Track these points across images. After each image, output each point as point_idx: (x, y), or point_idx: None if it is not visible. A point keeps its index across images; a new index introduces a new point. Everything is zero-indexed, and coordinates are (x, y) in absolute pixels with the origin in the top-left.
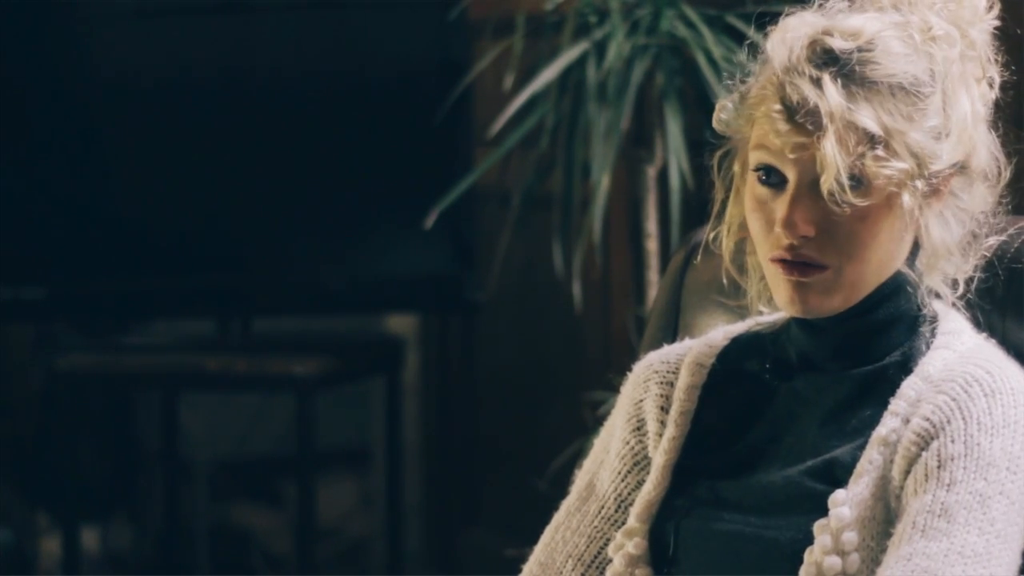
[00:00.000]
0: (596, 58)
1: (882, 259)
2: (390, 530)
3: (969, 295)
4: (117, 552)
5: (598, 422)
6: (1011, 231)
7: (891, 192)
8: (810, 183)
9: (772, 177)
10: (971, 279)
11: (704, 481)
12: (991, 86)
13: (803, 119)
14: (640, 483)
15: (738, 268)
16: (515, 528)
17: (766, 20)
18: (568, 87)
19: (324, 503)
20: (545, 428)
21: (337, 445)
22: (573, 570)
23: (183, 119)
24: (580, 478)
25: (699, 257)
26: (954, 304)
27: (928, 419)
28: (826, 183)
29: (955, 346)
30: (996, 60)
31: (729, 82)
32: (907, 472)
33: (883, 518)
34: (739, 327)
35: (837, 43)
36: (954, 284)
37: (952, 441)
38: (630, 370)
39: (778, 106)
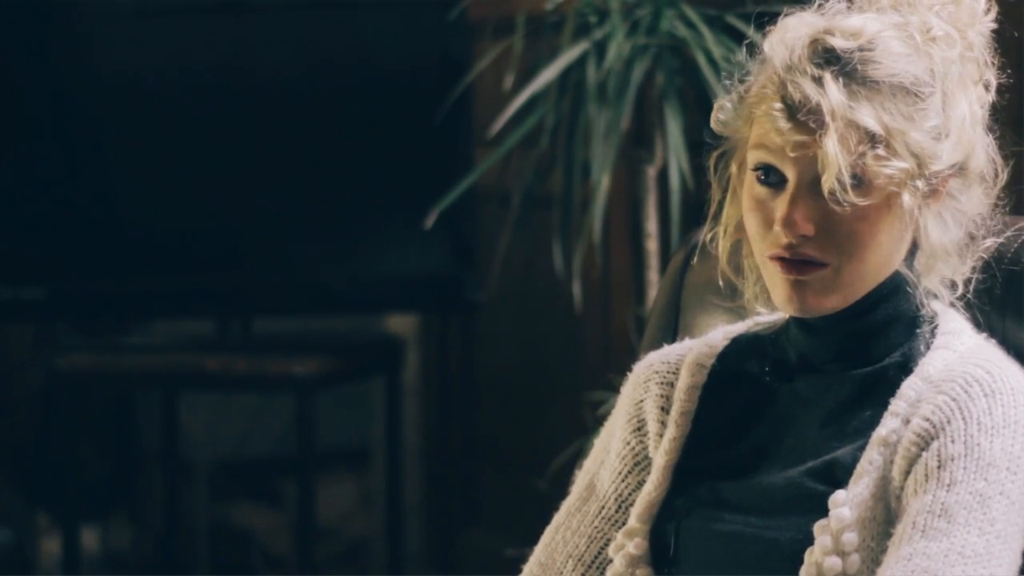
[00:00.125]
0: (596, 58)
1: (881, 259)
2: (390, 530)
3: (968, 296)
4: (117, 552)
5: (598, 422)
6: (1009, 232)
7: (891, 192)
8: (810, 182)
9: (771, 176)
10: (969, 280)
11: (705, 482)
12: (988, 88)
13: (804, 117)
14: (641, 483)
15: (734, 269)
16: (515, 528)
17: (765, 20)
18: (568, 87)
19: (324, 503)
20: (545, 428)
21: (337, 445)
22: (573, 570)
23: (183, 119)
24: (580, 478)
25: (696, 258)
26: (953, 304)
27: (928, 419)
28: (827, 182)
29: (955, 346)
30: (993, 63)
31: (727, 82)
32: (907, 472)
33: (883, 519)
34: (739, 327)
35: (838, 42)
36: (952, 285)
37: (952, 441)
38: (630, 370)
39: (779, 104)
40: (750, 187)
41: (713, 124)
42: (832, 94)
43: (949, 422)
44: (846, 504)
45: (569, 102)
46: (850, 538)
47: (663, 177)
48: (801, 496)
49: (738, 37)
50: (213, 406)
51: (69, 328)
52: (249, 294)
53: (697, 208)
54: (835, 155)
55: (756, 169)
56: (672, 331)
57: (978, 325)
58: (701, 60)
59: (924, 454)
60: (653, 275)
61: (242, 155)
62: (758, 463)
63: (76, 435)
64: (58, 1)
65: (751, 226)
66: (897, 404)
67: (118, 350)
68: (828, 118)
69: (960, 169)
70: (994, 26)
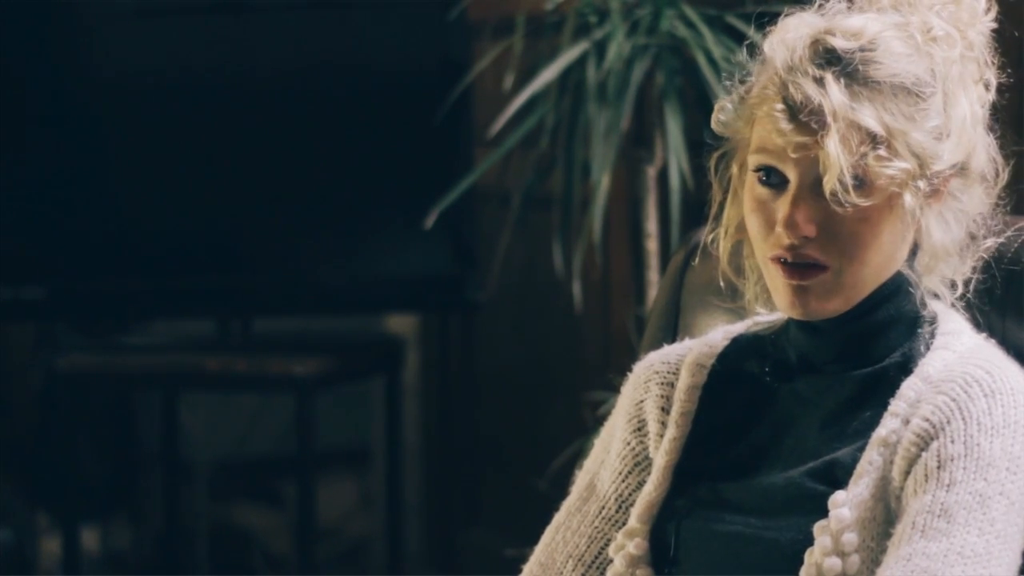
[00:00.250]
0: (596, 58)
1: (882, 260)
2: (390, 530)
3: (968, 295)
4: (117, 552)
5: (598, 422)
6: (1009, 232)
7: (892, 192)
8: (812, 183)
9: (772, 177)
10: (969, 280)
11: (705, 482)
12: (988, 88)
13: (806, 118)
14: (641, 483)
15: (735, 270)
16: (515, 528)
17: (766, 20)
18: (568, 87)
19: (324, 503)
20: (545, 428)
21: (337, 445)
22: (574, 570)
23: (183, 119)
24: (580, 478)
25: (697, 259)
26: (953, 304)
27: (928, 419)
28: (829, 183)
29: (955, 346)
30: (993, 62)
31: (728, 83)
32: (907, 473)
33: (883, 519)
34: (739, 327)
35: (839, 43)
36: (952, 285)
37: (952, 441)
38: (630, 370)
39: (780, 105)
40: (751, 188)
41: (714, 125)
42: (833, 95)
43: (949, 422)
44: (846, 504)
45: (569, 102)
46: (850, 538)
47: (663, 177)
48: (801, 496)
49: (738, 37)
50: (213, 406)
51: (69, 328)
52: (249, 294)
53: (697, 208)
54: (837, 156)
55: (757, 171)
56: (672, 331)
57: (978, 325)
58: (701, 60)
59: (924, 454)
60: (653, 275)
61: (242, 155)
62: (758, 463)
63: (76, 435)
64: (58, 1)
65: (753, 227)
66: (897, 404)
67: (118, 350)
68: (830, 119)
69: (961, 169)
70: (994, 26)
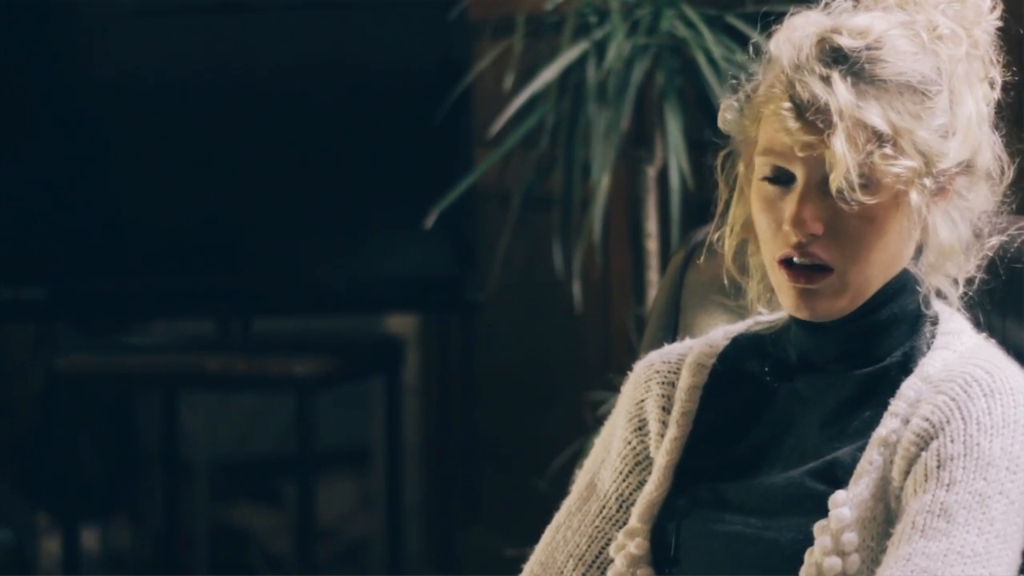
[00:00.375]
0: (596, 58)
1: (888, 259)
2: (390, 530)
3: (970, 295)
4: (117, 552)
5: (598, 422)
6: (1012, 231)
7: (899, 191)
8: (818, 182)
9: (779, 176)
10: (972, 279)
11: (705, 482)
12: (993, 86)
13: (813, 117)
14: (641, 483)
15: (739, 268)
16: (515, 528)
17: (769, 20)
18: (568, 87)
19: (324, 503)
20: (545, 428)
21: (337, 445)
22: (574, 570)
23: (183, 119)
24: (581, 478)
25: (702, 257)
26: (955, 303)
27: (927, 419)
28: (835, 181)
29: (955, 346)
30: (997, 61)
31: (734, 81)
32: (907, 472)
33: (883, 519)
34: (739, 327)
35: (846, 41)
36: (954, 284)
37: (951, 441)
38: (630, 370)
39: (787, 104)
40: (759, 188)
41: (720, 123)
42: (840, 93)
43: (948, 422)
44: (846, 504)
45: (569, 102)
46: (850, 538)
47: (663, 177)
48: (801, 496)
49: (738, 37)
50: (213, 406)
51: (69, 328)
52: (249, 294)
53: (697, 208)
54: (843, 154)
55: (764, 171)
56: (672, 331)
57: (978, 325)
58: (701, 60)
59: (923, 454)
60: (653, 275)
61: (242, 155)
62: (759, 463)
63: (76, 435)
64: (58, 1)
65: (761, 227)
66: (897, 404)
67: (118, 350)
68: (836, 117)
69: (967, 167)
70: (999, 24)
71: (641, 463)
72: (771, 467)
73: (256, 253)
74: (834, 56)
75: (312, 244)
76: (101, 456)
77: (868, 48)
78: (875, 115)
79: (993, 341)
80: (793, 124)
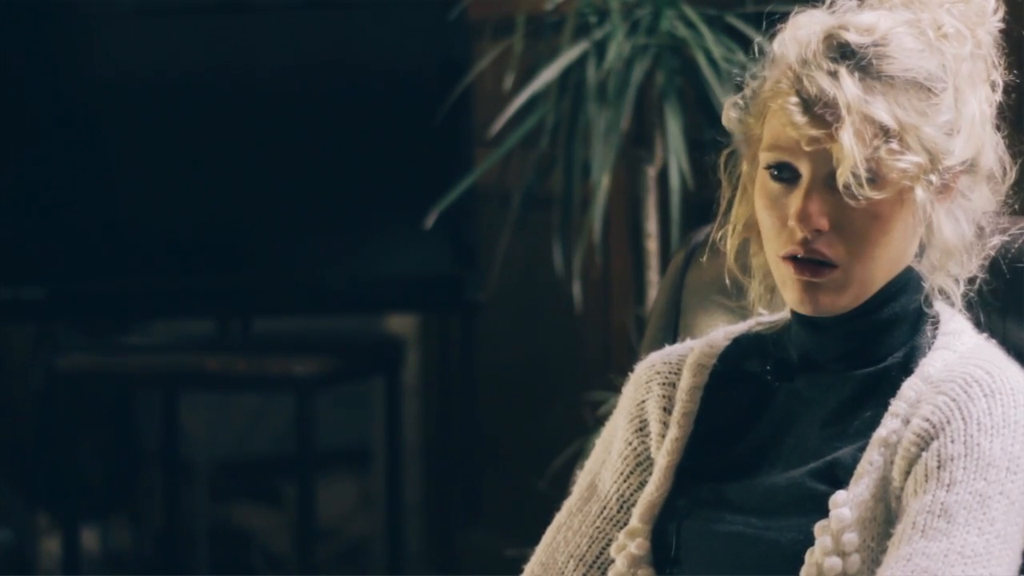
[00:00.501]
0: (596, 58)
1: (892, 257)
2: (390, 530)
3: (971, 294)
4: (117, 552)
5: (598, 422)
6: (1013, 231)
7: (903, 188)
8: (824, 177)
9: (784, 173)
10: (973, 279)
11: (706, 482)
12: (995, 88)
13: (820, 111)
14: (642, 483)
15: (741, 268)
16: (515, 528)
17: (772, 19)
18: (568, 87)
19: (324, 503)
20: (545, 428)
21: (337, 445)
22: (575, 570)
23: (183, 119)
24: (582, 478)
25: (705, 256)
26: (954, 304)
27: (928, 419)
28: (842, 175)
29: (955, 347)
30: (1000, 62)
31: (738, 79)
32: (907, 473)
33: (884, 519)
34: (740, 327)
35: (853, 37)
36: (956, 283)
37: (952, 441)
38: (631, 370)
39: (794, 98)
40: (764, 184)
41: (724, 121)
42: (848, 88)
43: (949, 422)
44: (846, 504)
45: (569, 102)
46: (850, 538)
47: (663, 177)
48: (802, 496)
49: (738, 37)
50: (213, 406)
51: (69, 328)
52: (249, 294)
53: (697, 208)
54: (851, 148)
55: (769, 167)
56: (672, 331)
57: (979, 325)
58: (701, 60)
59: (924, 454)
60: (653, 275)
61: (242, 155)
62: (759, 463)
63: (76, 435)
64: (58, 1)
65: (766, 224)
66: (897, 405)
67: (118, 350)
68: (844, 112)
69: (971, 166)
70: (1002, 26)
71: (642, 464)
72: (772, 467)
73: (256, 253)
74: (841, 52)
75: (312, 244)
76: (101, 456)
77: (875, 44)
78: (882, 110)
79: (994, 341)
80: (800, 118)
